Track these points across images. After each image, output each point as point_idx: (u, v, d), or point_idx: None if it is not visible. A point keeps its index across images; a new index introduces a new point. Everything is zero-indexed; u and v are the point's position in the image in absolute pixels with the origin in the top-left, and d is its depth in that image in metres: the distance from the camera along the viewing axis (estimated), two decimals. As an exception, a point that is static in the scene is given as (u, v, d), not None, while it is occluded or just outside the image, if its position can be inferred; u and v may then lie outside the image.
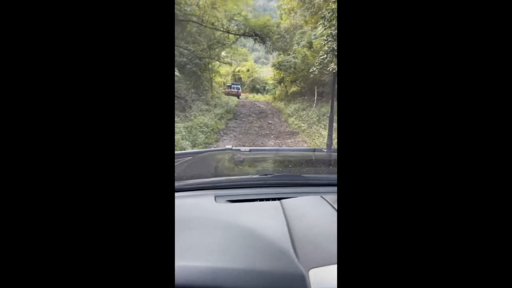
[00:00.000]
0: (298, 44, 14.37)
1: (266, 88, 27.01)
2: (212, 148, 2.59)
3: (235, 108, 13.75)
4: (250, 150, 1.67)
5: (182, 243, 0.60)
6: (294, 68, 14.40)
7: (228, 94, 19.90)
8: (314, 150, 1.82)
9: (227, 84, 22.06)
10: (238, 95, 20.33)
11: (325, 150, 1.68)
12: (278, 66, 15.94)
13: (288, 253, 0.59)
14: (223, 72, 28.91)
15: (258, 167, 1.52)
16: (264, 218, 0.74)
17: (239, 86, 21.98)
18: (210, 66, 19.02)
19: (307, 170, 1.45)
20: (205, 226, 0.71)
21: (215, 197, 0.94)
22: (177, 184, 1.02)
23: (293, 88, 18.25)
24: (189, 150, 2.20)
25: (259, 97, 24.53)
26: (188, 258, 0.57)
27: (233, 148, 1.68)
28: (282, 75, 17.70)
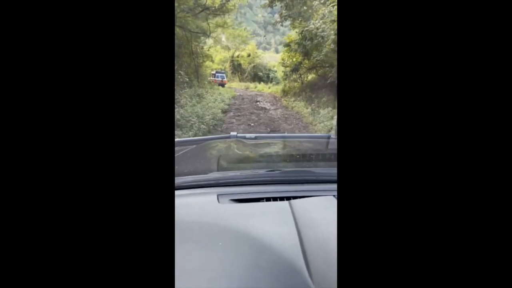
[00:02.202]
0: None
1: (270, 76, 20.63)
2: (216, 136, 1.87)
3: (223, 118, 6.87)
4: (255, 137, 1.38)
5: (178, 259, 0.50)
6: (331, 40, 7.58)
7: (218, 83, 16.45)
8: (325, 137, 1.47)
9: (212, 72, 17.53)
10: (222, 84, 16.89)
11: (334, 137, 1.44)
12: (300, 42, 9.01)
13: (300, 272, 0.50)
14: (220, 58, 22.29)
15: (264, 159, 1.40)
16: (271, 225, 0.64)
17: (224, 75, 18.36)
18: (197, 48, 12.63)
19: (315, 163, 1.33)
20: (205, 235, 0.61)
21: (218, 196, 0.83)
22: (177, 181, 0.88)
23: (310, 77, 11.80)
24: (190, 138, 1.84)
25: (262, 87, 18.14)
26: (184, 279, 0.49)
27: (238, 135, 1.35)
28: (298, 59, 11.06)
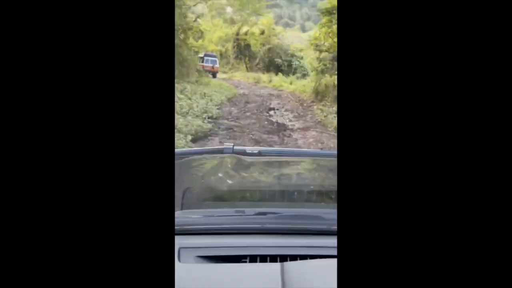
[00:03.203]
0: None
1: (294, 64, 14.71)
2: (208, 148, 1.59)
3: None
4: (259, 152, 1.07)
5: None
6: None
7: (208, 70, 12.59)
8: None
9: (200, 56, 12.45)
10: (213, 73, 12.71)
11: None
12: None
13: None
14: (220, 35, 16.32)
15: (256, 195, 1.03)
16: None
17: (216, 59, 13.75)
18: (177, 18, 7.17)
19: (330, 204, 0.95)
20: None
21: (180, 250, 0.61)
22: None
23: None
24: (185, 149, 1.57)
25: (279, 81, 12.36)
26: None
27: (235, 148, 1.00)
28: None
